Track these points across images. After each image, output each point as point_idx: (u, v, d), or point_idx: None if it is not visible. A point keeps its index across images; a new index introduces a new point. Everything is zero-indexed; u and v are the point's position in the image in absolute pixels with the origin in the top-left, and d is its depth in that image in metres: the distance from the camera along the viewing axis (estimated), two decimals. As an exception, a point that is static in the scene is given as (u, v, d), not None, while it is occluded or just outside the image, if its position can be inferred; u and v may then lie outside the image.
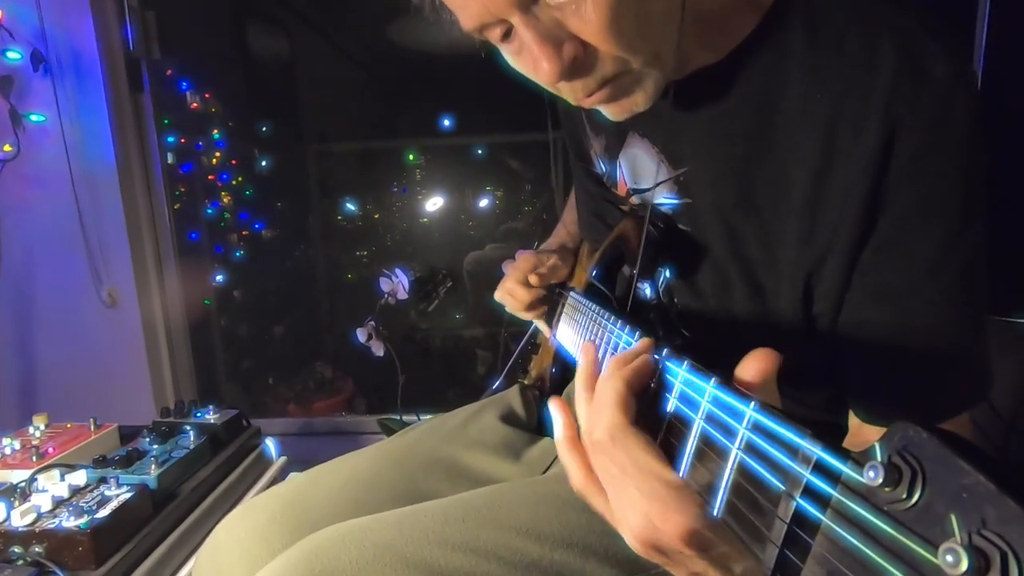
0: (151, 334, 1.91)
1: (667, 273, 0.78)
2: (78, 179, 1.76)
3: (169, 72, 2.28)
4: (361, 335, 1.69)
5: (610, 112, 0.63)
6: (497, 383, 1.48)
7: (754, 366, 0.38)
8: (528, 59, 0.56)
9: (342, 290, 2.77)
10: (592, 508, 0.53)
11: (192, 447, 1.16)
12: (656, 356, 0.45)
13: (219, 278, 2.44)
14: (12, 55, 1.67)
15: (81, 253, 1.80)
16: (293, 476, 0.93)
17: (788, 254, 0.62)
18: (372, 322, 1.70)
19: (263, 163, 2.68)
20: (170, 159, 2.12)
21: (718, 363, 0.46)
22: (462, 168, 2.88)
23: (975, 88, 0.58)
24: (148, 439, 1.17)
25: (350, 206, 2.91)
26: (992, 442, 1.64)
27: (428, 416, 2.00)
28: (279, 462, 1.38)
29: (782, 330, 0.66)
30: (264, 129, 2.73)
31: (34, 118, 1.71)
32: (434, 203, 2.71)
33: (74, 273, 1.80)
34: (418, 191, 2.91)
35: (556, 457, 0.94)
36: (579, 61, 0.55)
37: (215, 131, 2.35)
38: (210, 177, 2.44)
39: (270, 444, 1.38)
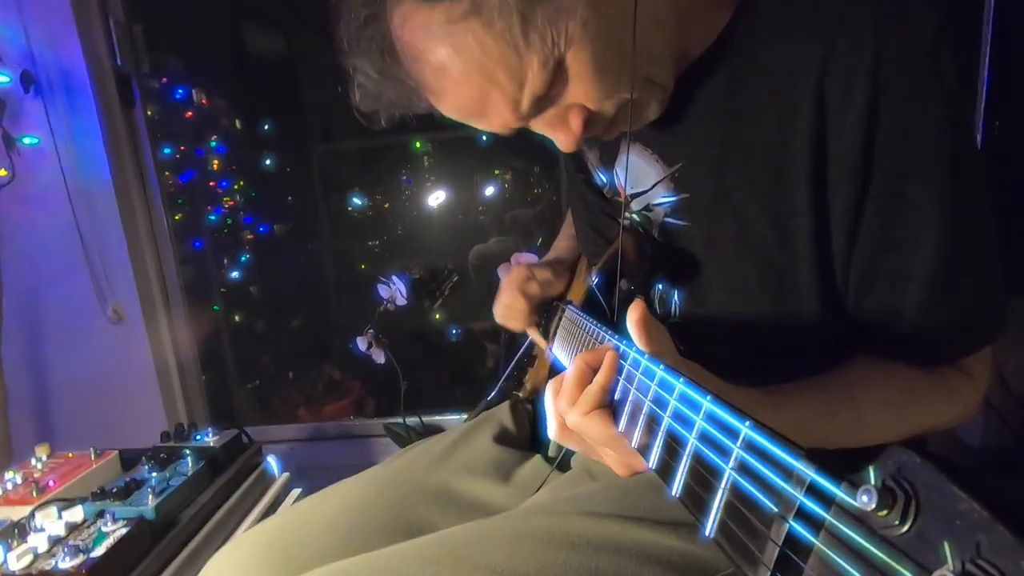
0: (158, 347, 1.94)
1: (660, 286, 0.78)
2: (76, 198, 1.78)
3: (164, 80, 2.28)
4: (361, 343, 1.69)
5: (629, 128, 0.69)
6: (492, 394, 1.47)
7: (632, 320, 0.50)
8: (544, 132, 0.66)
9: (349, 290, 2.77)
10: (569, 546, 0.70)
11: (190, 473, 1.17)
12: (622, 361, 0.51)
13: (225, 284, 2.46)
14: (1, 78, 1.68)
15: (84, 271, 1.82)
16: (283, 508, 0.93)
17: (801, 226, 0.62)
18: (372, 330, 1.70)
19: (267, 163, 2.68)
20: (168, 170, 2.13)
21: (726, 369, 0.56)
22: (468, 157, 2.84)
23: (958, 40, 0.63)
24: (147, 467, 1.18)
25: (357, 200, 2.90)
26: (1008, 424, 1.60)
27: (434, 417, 2.02)
28: (282, 479, 1.39)
29: (803, 310, 0.66)
30: (266, 129, 2.72)
31: (27, 141, 1.72)
32: (436, 197, 2.69)
33: (78, 292, 1.82)
34: (426, 178, 2.89)
35: (546, 479, 0.93)
36: (587, 122, 0.63)
37: (213, 138, 2.35)
38: (211, 183, 2.45)
39: (272, 462, 1.39)
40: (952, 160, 0.57)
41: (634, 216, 0.79)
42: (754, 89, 0.62)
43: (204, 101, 2.40)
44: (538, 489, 0.93)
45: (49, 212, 1.78)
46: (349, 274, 2.85)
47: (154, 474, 1.16)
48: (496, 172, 2.97)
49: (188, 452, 1.23)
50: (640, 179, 0.75)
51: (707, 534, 0.34)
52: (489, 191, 2.91)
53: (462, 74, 0.58)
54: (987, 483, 0.21)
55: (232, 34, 2.68)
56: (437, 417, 2.02)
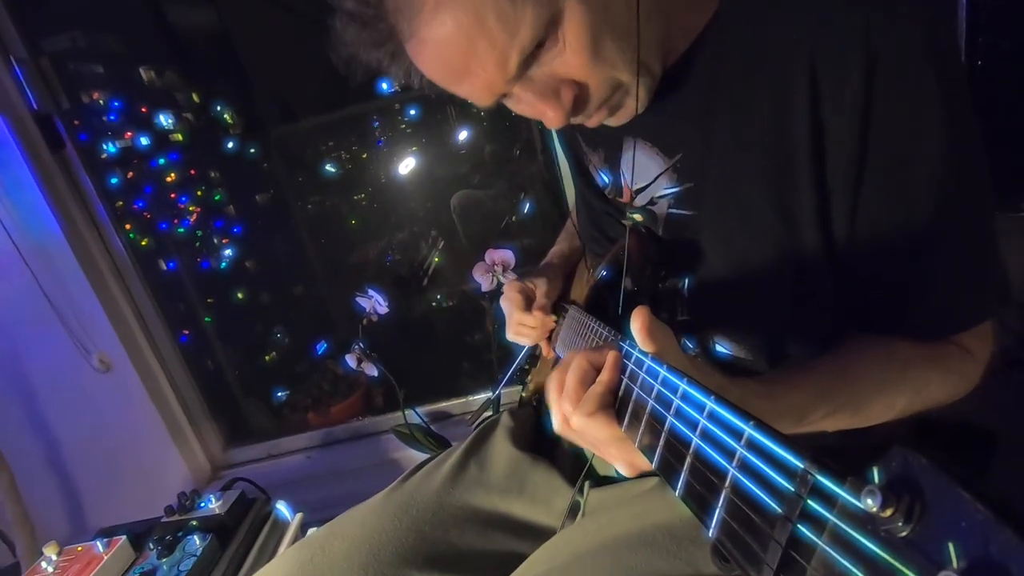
0: (154, 386, 1.91)
1: (662, 284, 0.78)
2: (30, 258, 1.70)
3: (96, 95, 2.13)
4: (351, 361, 1.65)
5: (611, 121, 0.68)
6: (497, 392, 1.44)
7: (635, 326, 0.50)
8: (531, 109, 0.64)
9: (338, 274, 2.70)
10: None
11: (200, 552, 1.16)
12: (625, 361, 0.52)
13: (211, 295, 2.40)
14: (-85, 151, 1.56)
15: (59, 329, 1.77)
16: (301, 542, 0.92)
17: (804, 204, 0.62)
18: (359, 346, 1.65)
19: (226, 159, 2.54)
20: (120, 199, 2.03)
21: (737, 361, 0.61)
22: (440, 107, 2.68)
23: (949, 13, 0.61)
24: (155, 552, 1.18)
25: (330, 168, 2.77)
26: (1006, 326, 1.57)
27: (441, 404, 2.01)
28: (295, 521, 1.39)
29: (810, 289, 0.67)
30: (219, 125, 2.56)
31: (-38, 212, 1.63)
32: (406, 165, 2.57)
33: (59, 352, 1.78)
34: (401, 126, 2.74)
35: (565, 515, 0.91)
36: (578, 99, 0.62)
37: (160, 154, 2.21)
38: (172, 195, 2.34)
39: (283, 508, 1.39)
40: (949, 132, 0.57)
41: (636, 216, 0.79)
42: (746, 72, 0.62)
43: (144, 109, 2.26)
44: (560, 527, 0.91)
45: (7, 278, 1.71)
46: (335, 257, 2.77)
47: (164, 561, 1.16)
48: (473, 110, 2.81)
49: (195, 525, 1.22)
50: (643, 173, 0.75)
51: (709, 534, 0.34)
52: (463, 135, 2.77)
53: (449, 15, 0.55)
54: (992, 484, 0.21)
55: (157, 21, 2.47)
56: (444, 403, 2.01)
